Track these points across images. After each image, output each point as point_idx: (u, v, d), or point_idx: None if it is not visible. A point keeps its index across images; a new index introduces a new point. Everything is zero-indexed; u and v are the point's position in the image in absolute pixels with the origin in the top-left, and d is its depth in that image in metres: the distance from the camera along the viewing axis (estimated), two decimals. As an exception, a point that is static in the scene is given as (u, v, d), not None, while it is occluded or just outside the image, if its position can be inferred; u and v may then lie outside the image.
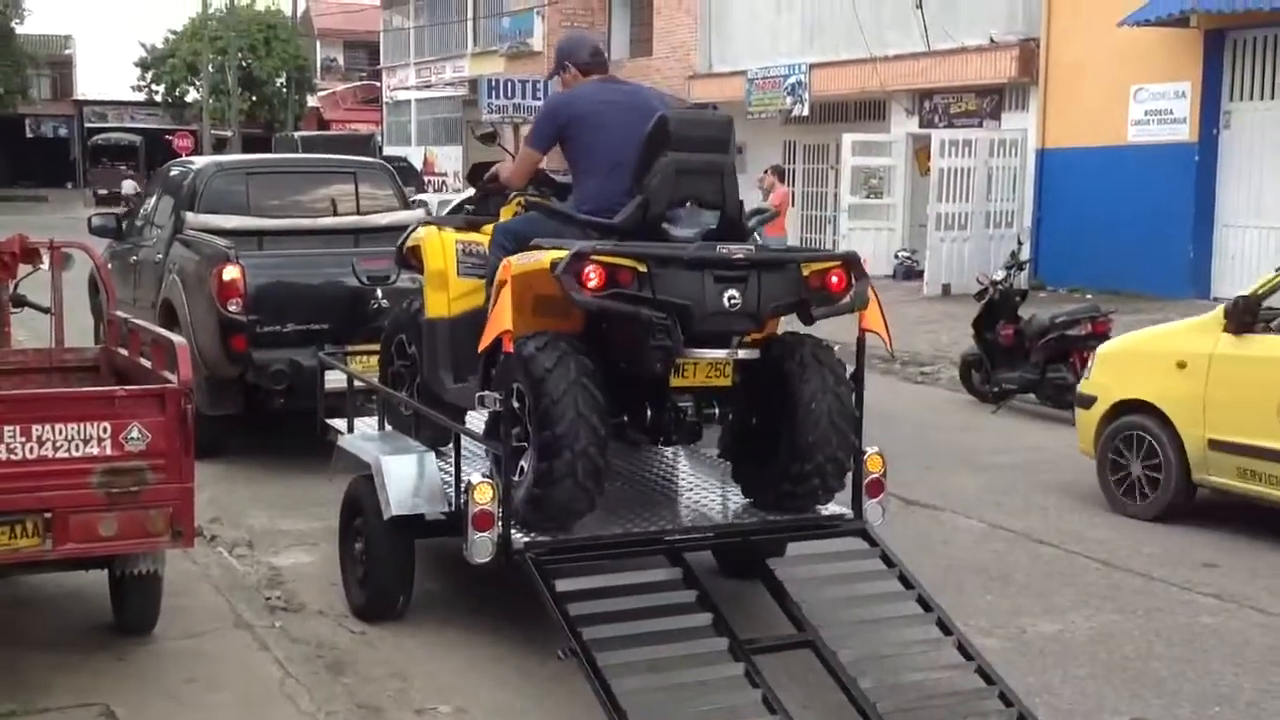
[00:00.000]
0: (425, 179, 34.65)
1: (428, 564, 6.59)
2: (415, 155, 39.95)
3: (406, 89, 46.37)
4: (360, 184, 10.73)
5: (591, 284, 5.21)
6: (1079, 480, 9.08)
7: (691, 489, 6.53)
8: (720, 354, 5.59)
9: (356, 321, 9.09)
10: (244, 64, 57.41)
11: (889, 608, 5.76)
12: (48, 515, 5.07)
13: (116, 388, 5.62)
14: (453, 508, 5.87)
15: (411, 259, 6.99)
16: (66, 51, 69.92)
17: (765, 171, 20.24)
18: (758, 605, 5.91)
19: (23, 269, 7.13)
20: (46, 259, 6.98)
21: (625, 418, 5.86)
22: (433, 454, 6.30)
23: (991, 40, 21.17)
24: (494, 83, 31.90)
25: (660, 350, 5.37)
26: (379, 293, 9.17)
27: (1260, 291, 7.96)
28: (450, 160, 40.92)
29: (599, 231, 5.73)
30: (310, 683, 5.48)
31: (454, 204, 19.64)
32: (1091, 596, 6.93)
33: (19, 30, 57.26)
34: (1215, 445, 7.99)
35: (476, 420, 6.45)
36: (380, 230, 9.92)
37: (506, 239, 6.08)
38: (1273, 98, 17.28)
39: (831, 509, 6.12)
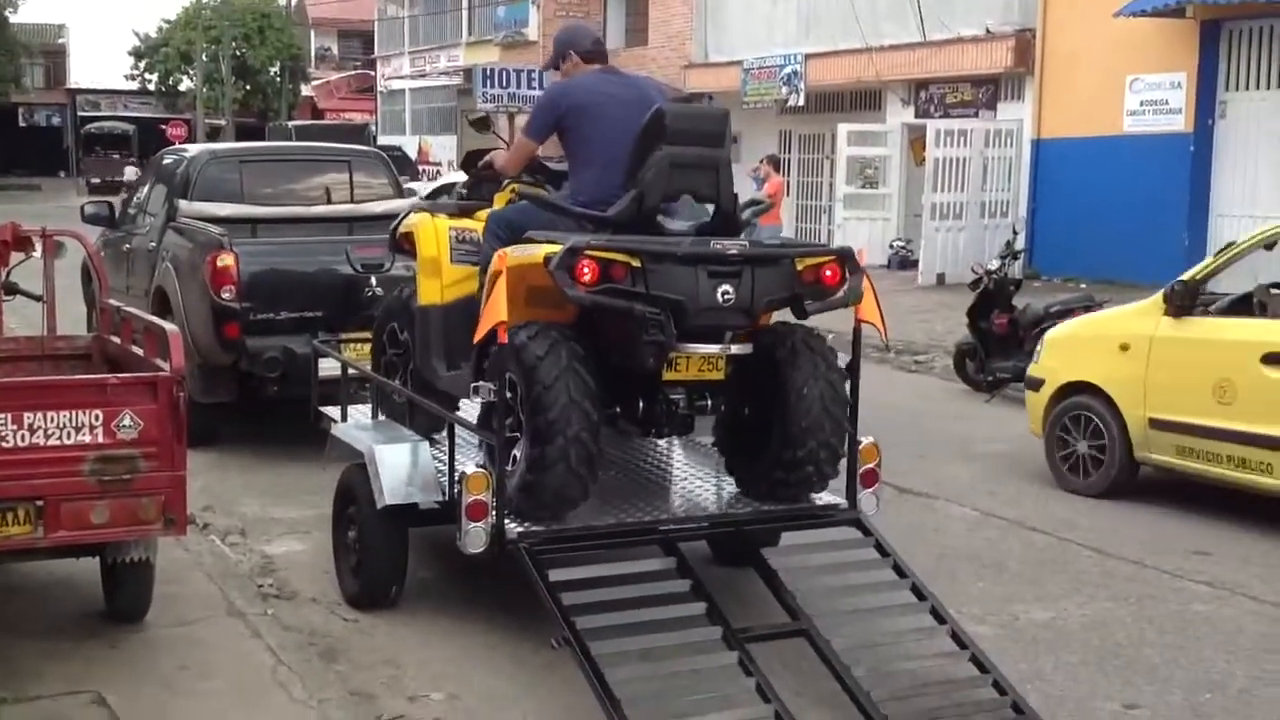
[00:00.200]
0: (420, 168, 34.60)
1: (421, 552, 6.59)
2: (409, 145, 39.91)
3: (401, 78, 46.29)
4: (355, 172, 10.70)
5: (585, 279, 5.20)
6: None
7: (686, 479, 6.53)
8: (713, 349, 5.58)
9: (350, 309, 9.07)
10: (238, 53, 57.41)
11: (883, 597, 5.76)
12: (39, 503, 5.05)
13: (109, 375, 5.61)
14: (446, 497, 5.87)
15: (404, 245, 6.97)
16: (60, 40, 69.84)
17: (761, 161, 20.24)
18: (752, 594, 5.91)
19: (15, 257, 7.11)
20: (39, 247, 6.96)
21: (617, 409, 5.86)
22: (426, 443, 6.30)
23: (987, 30, 21.16)
24: (489, 72, 31.86)
25: (653, 345, 5.37)
26: (373, 280, 9.15)
27: (1198, 276, 8.26)
28: (445, 150, 40.86)
29: (593, 224, 5.73)
30: (303, 670, 5.47)
31: (433, 189, 19.63)
32: (1084, 584, 6.94)
33: (12, 19, 57.19)
34: (1155, 424, 8.31)
35: (469, 409, 6.44)
36: (375, 218, 9.90)
37: (500, 228, 6.07)
38: (1268, 88, 17.30)
39: (826, 499, 6.12)
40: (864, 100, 24.67)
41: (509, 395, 5.51)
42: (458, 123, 40.03)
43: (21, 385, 5.46)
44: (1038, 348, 9.45)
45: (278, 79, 60.71)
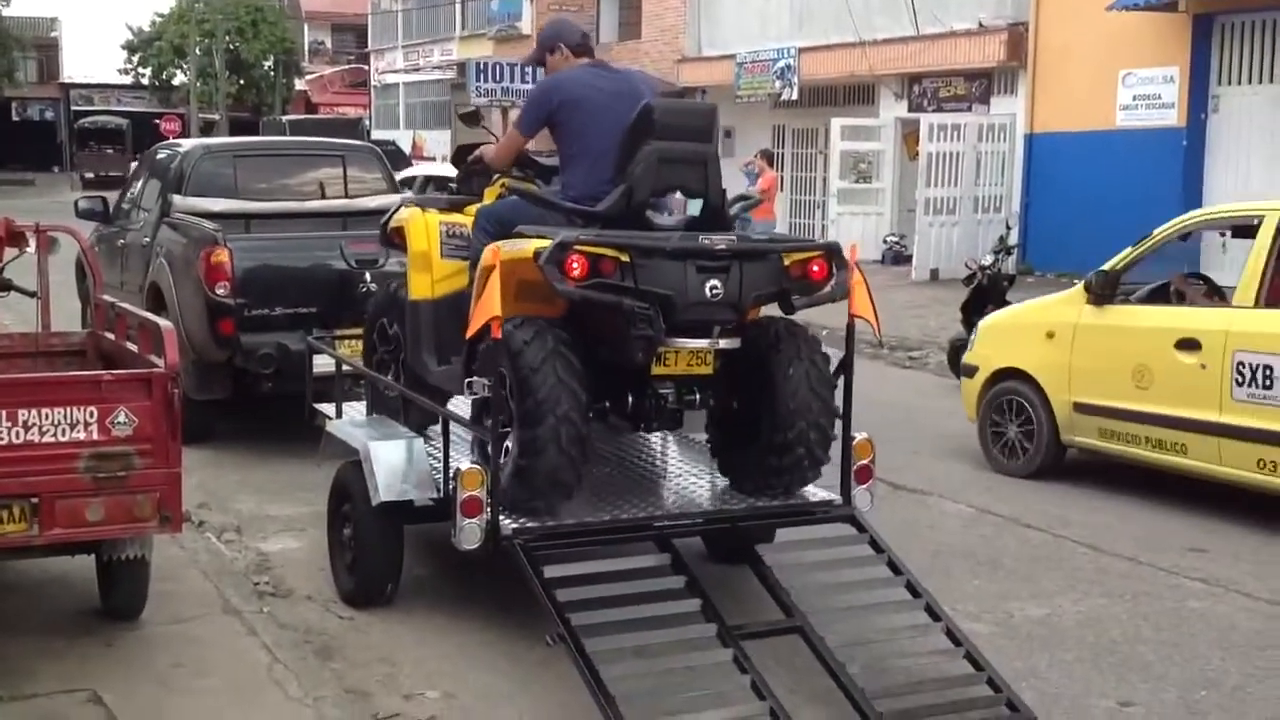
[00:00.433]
0: (414, 162, 34.55)
1: (416, 549, 6.59)
2: (403, 139, 39.85)
3: (395, 72, 46.23)
4: (348, 167, 10.69)
5: (574, 273, 5.23)
6: (1069, 466, 9.09)
7: (680, 475, 6.54)
8: (702, 343, 5.60)
9: (345, 305, 9.05)
10: (231, 47, 57.26)
11: (877, 593, 5.76)
12: (34, 500, 5.05)
13: (103, 372, 5.60)
14: (441, 494, 5.87)
15: (395, 240, 6.99)
16: (53, 34, 69.60)
17: (755, 155, 20.25)
18: (746, 591, 5.92)
19: (8, 252, 7.10)
20: (32, 242, 6.95)
21: (607, 404, 5.88)
22: (421, 440, 6.29)
23: (980, 24, 21.15)
24: (482, 66, 31.76)
25: (642, 340, 5.39)
26: (367, 276, 9.13)
27: (1118, 266, 8.67)
28: (439, 144, 40.80)
29: (582, 219, 5.74)
30: (298, 668, 5.47)
31: (401, 178, 19.57)
32: (1079, 581, 6.95)
33: (5, 12, 57.06)
34: (1079, 408, 8.73)
35: (459, 404, 6.44)
36: (368, 213, 9.89)
37: (490, 222, 6.10)
38: (1260, 82, 17.31)
39: (820, 494, 6.13)
40: (857, 94, 24.66)
41: (501, 390, 5.52)
42: (452, 117, 39.97)
43: (15, 382, 5.44)
44: (972, 336, 9.79)
45: (271, 73, 60.58)
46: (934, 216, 20.37)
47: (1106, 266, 8.67)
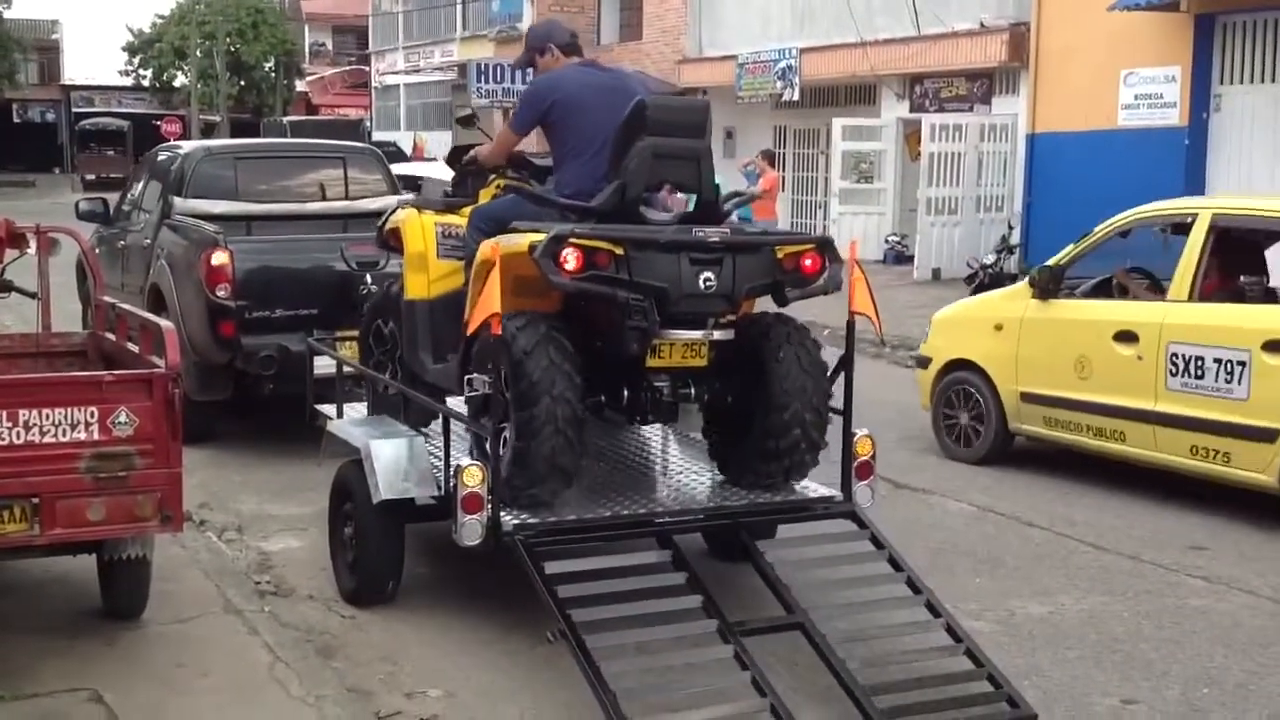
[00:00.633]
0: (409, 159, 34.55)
1: (417, 548, 6.59)
2: (404, 140, 39.85)
3: (395, 73, 46.22)
4: (349, 169, 10.69)
5: (569, 266, 5.28)
6: (1070, 464, 9.09)
7: (681, 471, 6.55)
8: (696, 335, 5.66)
9: (345, 307, 9.04)
10: (232, 49, 57.31)
11: (878, 590, 5.77)
12: (35, 500, 5.05)
13: (104, 372, 5.59)
14: (442, 491, 5.87)
15: (392, 241, 7.03)
16: (54, 36, 69.69)
17: (757, 155, 20.24)
18: (747, 588, 5.92)
19: (9, 254, 7.09)
20: (33, 244, 6.95)
21: (602, 397, 5.93)
22: (422, 438, 6.30)
23: (982, 24, 21.14)
24: (483, 67, 31.85)
25: (637, 331, 5.45)
26: (368, 278, 9.11)
27: (1062, 262, 9.10)
28: (440, 145, 40.79)
29: (577, 214, 5.79)
30: (300, 667, 5.47)
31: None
32: (1081, 579, 6.95)
33: (6, 14, 57.12)
34: (1026, 397, 9.10)
35: (455, 404, 6.46)
36: (369, 215, 9.88)
37: (484, 221, 6.16)
38: (1262, 81, 17.29)
39: (821, 491, 6.15)
40: (859, 95, 24.66)
41: (499, 384, 5.54)
42: (452, 118, 39.99)
43: (16, 382, 5.45)
44: (927, 329, 10.13)
45: (272, 74, 60.63)
46: (936, 216, 20.36)
47: (1050, 262, 9.13)
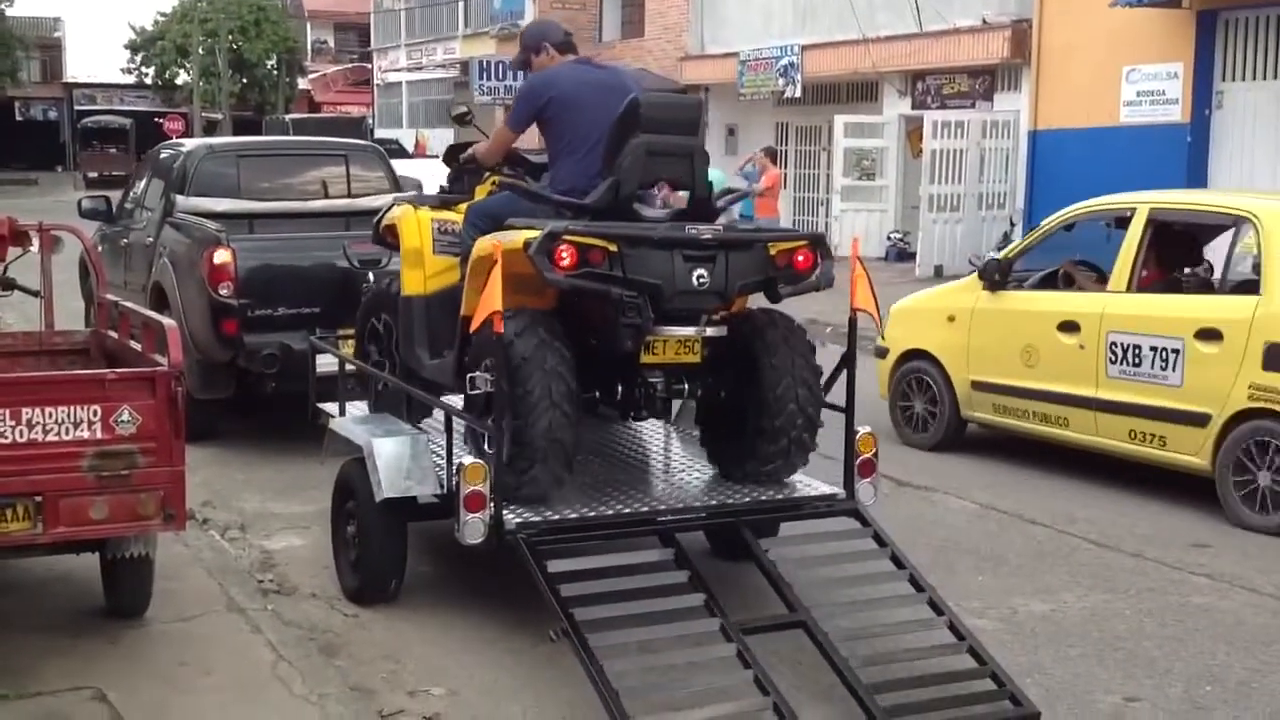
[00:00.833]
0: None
1: (420, 546, 6.59)
2: (406, 137, 39.85)
3: (397, 71, 46.21)
4: (351, 166, 10.70)
5: (564, 263, 5.34)
6: (1070, 460, 9.09)
7: (683, 470, 6.55)
8: (689, 331, 5.71)
9: (348, 305, 9.02)
10: (234, 46, 57.29)
11: (880, 588, 5.78)
12: (38, 499, 5.05)
13: (107, 371, 5.60)
14: (445, 490, 5.87)
15: (388, 238, 7.08)
16: (56, 34, 69.65)
17: (759, 152, 20.23)
18: (749, 585, 5.93)
19: (12, 252, 7.09)
20: (36, 242, 6.95)
21: (597, 394, 5.99)
22: (425, 436, 6.30)
23: (984, 21, 21.12)
24: (485, 64, 31.84)
25: (631, 328, 5.51)
26: (370, 276, 9.11)
27: (1010, 255, 9.54)
28: (442, 142, 40.73)
29: (572, 211, 5.84)
30: (303, 665, 5.47)
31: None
32: (1083, 577, 6.95)
33: (8, 12, 57.12)
34: (976, 385, 9.45)
35: (451, 398, 6.50)
36: (372, 213, 9.85)
37: (479, 218, 6.21)
38: (1264, 78, 17.27)
39: (823, 488, 6.15)
40: (861, 92, 24.64)
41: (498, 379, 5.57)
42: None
43: (19, 381, 5.45)
44: (885, 320, 10.21)
45: (274, 72, 60.62)
46: (938, 213, 20.34)
47: (999, 255, 9.63)
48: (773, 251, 5.74)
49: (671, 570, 5.44)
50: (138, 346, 6.04)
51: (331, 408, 7.26)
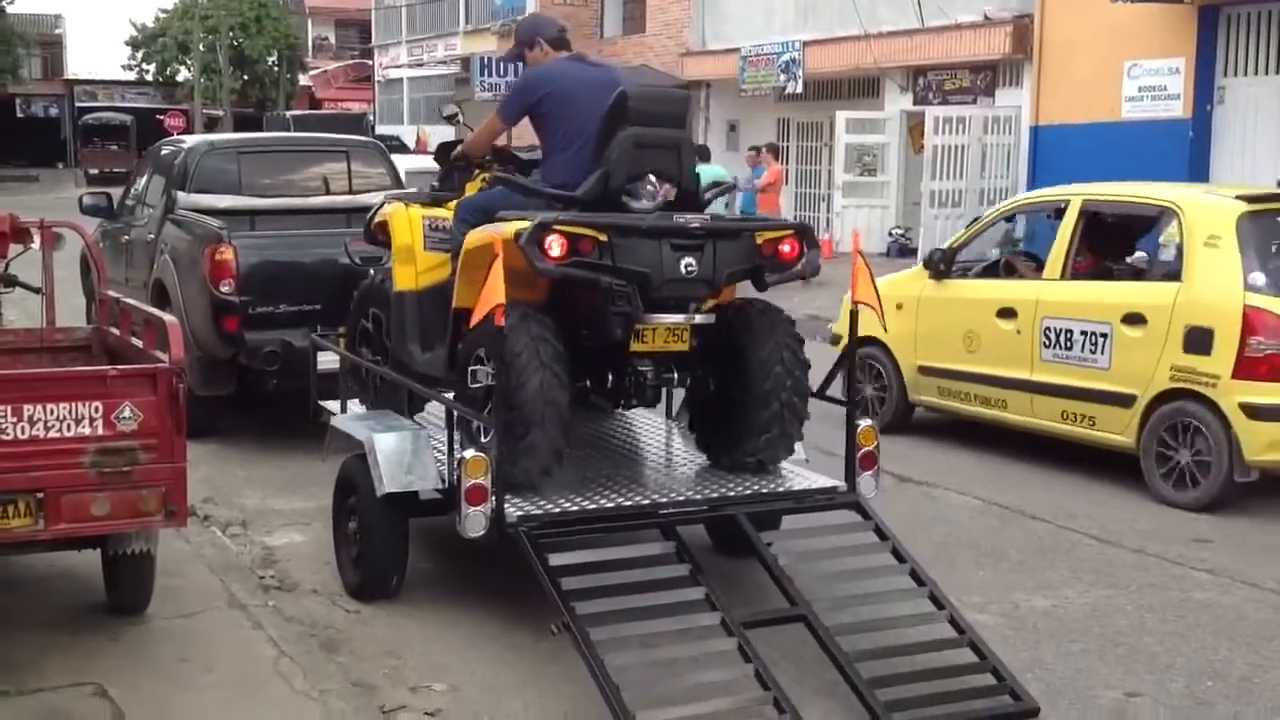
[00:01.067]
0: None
1: (421, 543, 6.60)
2: (407, 134, 39.83)
3: (398, 67, 46.18)
4: (353, 163, 10.69)
5: (554, 253, 5.43)
6: (1071, 456, 9.08)
7: (685, 463, 6.57)
8: (678, 319, 5.81)
9: (349, 302, 9.01)
10: (235, 43, 57.28)
11: (881, 582, 5.78)
12: (40, 495, 5.05)
13: (108, 367, 5.60)
14: (446, 485, 5.88)
15: (380, 235, 7.12)
16: (57, 31, 69.66)
17: (764, 148, 20.22)
18: (750, 579, 5.93)
19: (13, 248, 7.09)
20: (37, 238, 6.95)
21: (588, 383, 6.04)
22: (425, 431, 6.31)
23: (985, 17, 21.11)
24: (486, 61, 31.77)
25: (621, 316, 5.62)
26: (371, 273, 9.12)
27: (954, 245, 9.97)
28: (442, 139, 40.74)
29: (562, 203, 5.91)
30: (304, 661, 5.48)
31: None
32: (1085, 572, 6.95)
33: (9, 9, 57.06)
34: (923, 370, 9.86)
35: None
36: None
37: (470, 213, 6.27)
38: (1266, 73, 17.25)
39: (825, 481, 6.17)
40: (862, 87, 24.63)
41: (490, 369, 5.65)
42: (461, 117, 39.86)
43: (21, 377, 5.46)
44: (841, 309, 10.48)
45: (275, 69, 60.60)
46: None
47: (944, 245, 10.02)
48: (759, 241, 5.86)
49: (673, 564, 5.45)
50: (139, 343, 6.04)
51: (333, 405, 7.26)
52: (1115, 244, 9.26)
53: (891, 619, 5.57)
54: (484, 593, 6.32)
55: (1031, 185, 20.25)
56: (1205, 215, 8.39)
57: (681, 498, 6.00)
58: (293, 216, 9.98)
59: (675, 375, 6.10)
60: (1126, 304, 8.51)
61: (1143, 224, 9.14)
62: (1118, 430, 8.52)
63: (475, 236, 5.93)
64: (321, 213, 10.11)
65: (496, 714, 5.15)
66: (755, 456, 6.15)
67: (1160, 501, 8.18)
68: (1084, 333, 8.70)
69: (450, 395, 6.06)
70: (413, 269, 6.74)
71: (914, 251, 20.82)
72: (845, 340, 10.07)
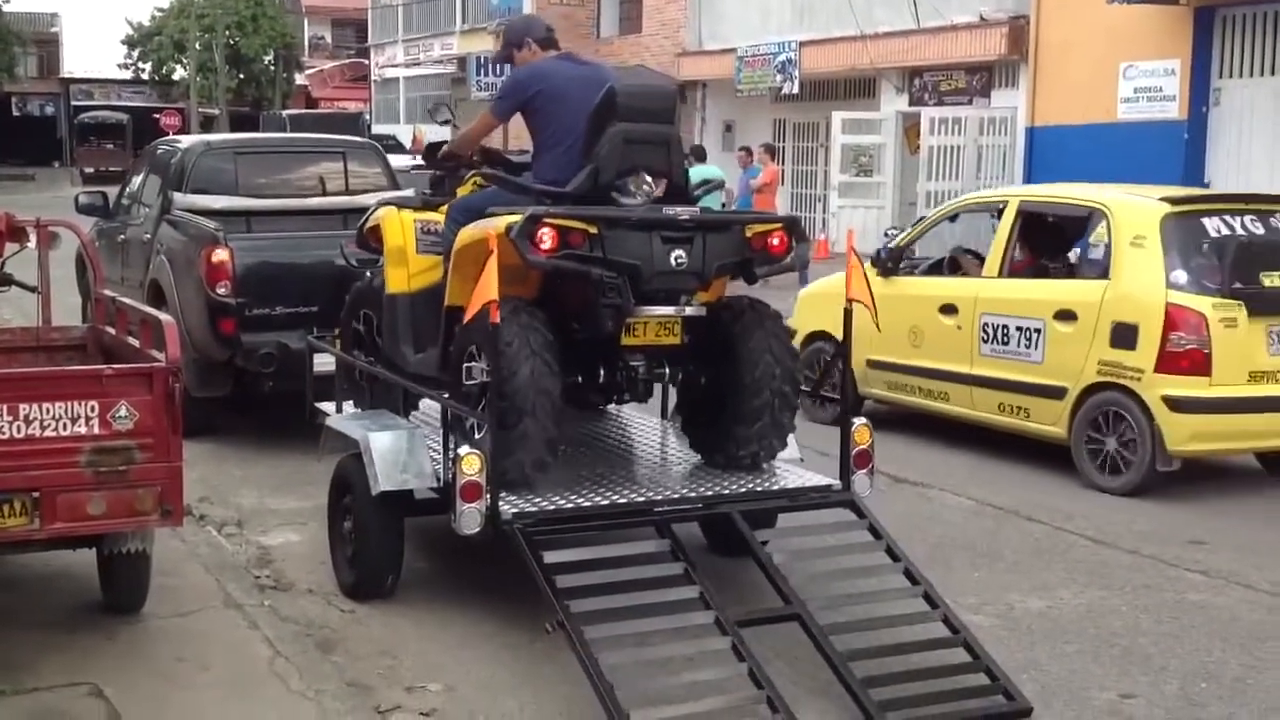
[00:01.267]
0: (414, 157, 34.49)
1: (417, 542, 6.60)
2: (404, 133, 39.81)
3: (395, 66, 46.15)
4: (349, 163, 10.68)
5: (545, 245, 5.47)
6: (1066, 458, 9.09)
7: (680, 461, 6.58)
8: (669, 311, 5.84)
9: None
10: (231, 41, 57.28)
11: (876, 581, 5.80)
12: (36, 494, 5.05)
13: (104, 366, 5.60)
14: (441, 483, 5.89)
15: (372, 240, 7.16)
16: (53, 29, 69.59)
17: (760, 147, 20.21)
18: (745, 578, 5.94)
19: (9, 248, 7.09)
20: (33, 237, 6.95)
21: (579, 378, 6.06)
22: (420, 430, 6.32)
23: (981, 18, 21.14)
24: (483, 60, 31.78)
25: (611, 309, 5.67)
26: (368, 275, 9.11)
27: (902, 244, 10.24)
28: (439, 139, 40.71)
29: (552, 199, 5.93)
30: (300, 661, 5.48)
31: None
32: (1080, 573, 6.96)
33: (5, 8, 57.05)
34: (871, 364, 10.06)
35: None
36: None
37: (462, 214, 6.30)
38: (1262, 74, 17.29)
39: (820, 480, 6.19)
40: (858, 88, 24.65)
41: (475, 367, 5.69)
42: (453, 111, 39.85)
43: (17, 376, 5.45)
44: (795, 305, 10.77)
45: (271, 68, 60.60)
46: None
47: (892, 244, 10.29)
48: (749, 234, 5.91)
49: (668, 562, 5.46)
50: (135, 342, 6.04)
51: (328, 407, 7.27)
52: (1050, 243, 9.60)
53: (886, 618, 5.57)
54: (479, 592, 6.32)
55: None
56: (1131, 216, 8.74)
57: (676, 496, 6.01)
58: (289, 217, 9.96)
59: (667, 370, 6.14)
60: (1058, 301, 8.89)
61: (1075, 224, 9.34)
62: (1050, 421, 8.89)
63: (467, 233, 5.97)
64: (318, 214, 10.10)
65: (492, 713, 5.15)
66: (748, 447, 6.15)
67: (1089, 487, 8.55)
68: (1019, 328, 9.08)
69: (444, 394, 6.08)
70: (405, 271, 6.77)
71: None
72: (800, 334, 10.31)
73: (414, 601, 6.28)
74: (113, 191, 12.32)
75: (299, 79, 61.60)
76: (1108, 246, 8.76)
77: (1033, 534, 7.68)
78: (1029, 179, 20.31)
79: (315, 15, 63.80)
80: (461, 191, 6.70)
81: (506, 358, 5.48)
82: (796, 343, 10.12)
